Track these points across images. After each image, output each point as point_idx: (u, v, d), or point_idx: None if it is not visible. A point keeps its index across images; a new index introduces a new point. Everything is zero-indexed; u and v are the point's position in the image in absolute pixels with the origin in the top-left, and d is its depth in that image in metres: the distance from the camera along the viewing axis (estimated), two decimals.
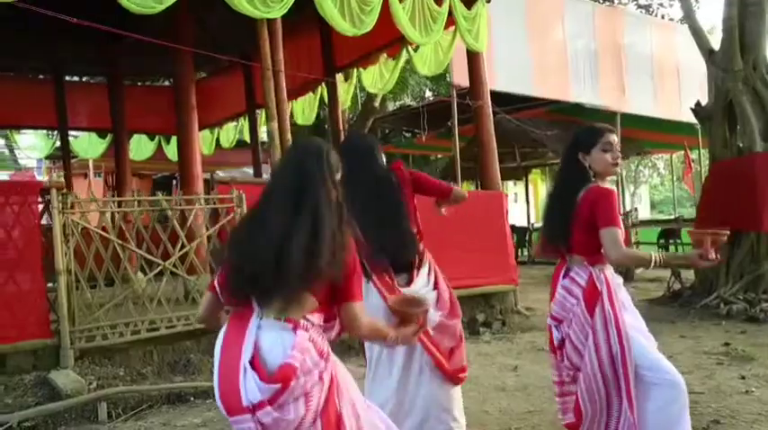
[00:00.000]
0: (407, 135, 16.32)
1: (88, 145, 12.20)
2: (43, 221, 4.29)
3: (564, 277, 2.55)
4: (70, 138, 11.68)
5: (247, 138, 10.89)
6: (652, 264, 2.36)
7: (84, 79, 11.53)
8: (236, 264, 1.68)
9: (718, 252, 2.33)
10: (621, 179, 12.40)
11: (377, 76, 8.72)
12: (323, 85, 9.33)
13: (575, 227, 2.48)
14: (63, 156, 10.96)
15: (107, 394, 3.88)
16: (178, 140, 7.87)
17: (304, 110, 9.89)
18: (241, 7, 5.14)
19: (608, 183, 2.56)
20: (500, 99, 8.90)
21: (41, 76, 10.78)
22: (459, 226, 6.15)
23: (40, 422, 3.73)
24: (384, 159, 3.02)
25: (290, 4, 5.42)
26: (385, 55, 8.52)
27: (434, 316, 2.78)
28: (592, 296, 2.44)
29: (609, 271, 2.52)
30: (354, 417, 1.71)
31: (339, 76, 9.27)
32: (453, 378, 2.82)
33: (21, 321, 4.06)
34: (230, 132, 11.69)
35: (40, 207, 4.19)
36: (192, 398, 4.18)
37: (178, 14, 6.08)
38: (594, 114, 10.77)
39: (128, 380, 4.24)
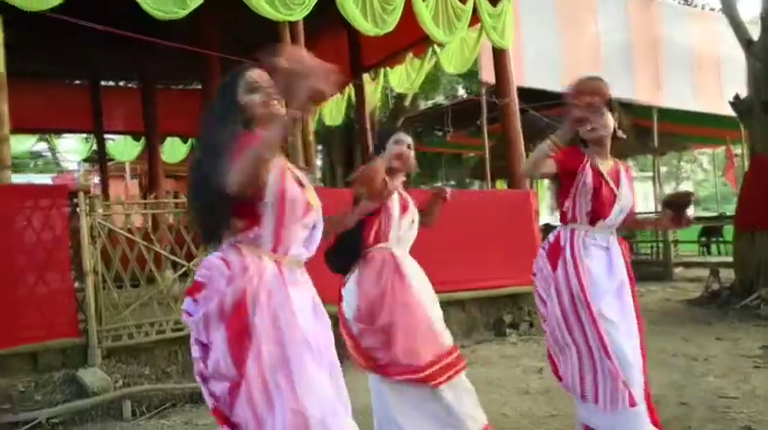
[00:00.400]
0: (439, 134, 16.28)
1: (123, 148, 12.57)
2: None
3: None
4: (107, 142, 12.05)
5: None
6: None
7: (120, 83, 11.84)
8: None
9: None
10: (659, 175, 12.09)
11: (404, 76, 8.73)
12: (350, 85, 9.39)
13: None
14: (99, 159, 11.31)
15: (132, 392, 4.00)
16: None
17: (332, 111, 9.97)
18: (262, 10, 5.23)
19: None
20: (531, 96, 8.80)
21: (78, 82, 11.14)
22: (486, 225, 6.12)
23: (67, 419, 3.87)
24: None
25: (312, 5, 5.49)
26: (411, 54, 8.52)
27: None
28: (554, 252, 2.61)
29: (581, 231, 2.59)
30: (274, 345, 1.69)
31: (366, 77, 9.30)
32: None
33: (50, 321, 4.21)
34: None
35: (69, 210, 4.34)
36: None
37: (204, 19, 6.22)
38: (629, 109, 10.56)
39: (153, 379, 4.36)
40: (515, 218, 6.50)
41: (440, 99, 17.31)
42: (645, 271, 10.36)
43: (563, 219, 2.67)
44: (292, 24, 5.63)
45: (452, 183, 19.92)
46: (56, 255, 4.27)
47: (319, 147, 15.89)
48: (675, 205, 2.47)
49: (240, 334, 1.66)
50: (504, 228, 6.27)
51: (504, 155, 7.17)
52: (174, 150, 12.31)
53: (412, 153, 2.80)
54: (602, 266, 2.54)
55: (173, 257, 4.79)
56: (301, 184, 1.86)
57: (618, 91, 8.72)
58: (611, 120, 2.60)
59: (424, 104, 16.62)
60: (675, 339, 5.62)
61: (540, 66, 8.85)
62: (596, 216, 2.58)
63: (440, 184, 19.41)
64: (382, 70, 9.13)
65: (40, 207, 4.22)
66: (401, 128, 3.26)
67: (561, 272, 2.55)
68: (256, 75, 1.84)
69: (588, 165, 2.57)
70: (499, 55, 7.13)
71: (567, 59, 9.48)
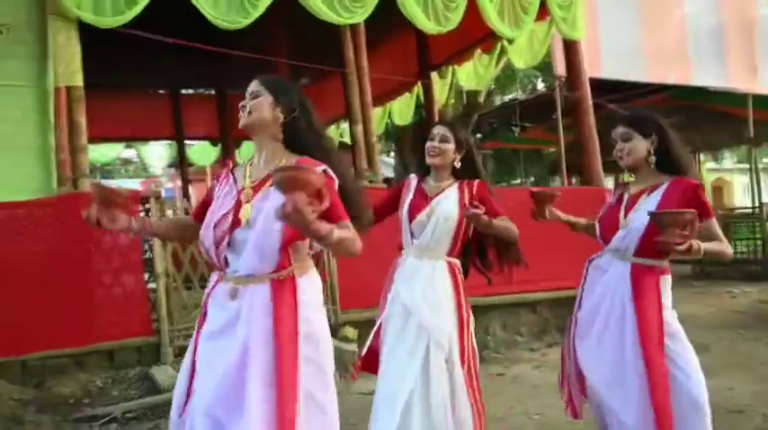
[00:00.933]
0: (515, 129, 15.97)
1: (202, 153, 13.19)
2: None
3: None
4: (188, 148, 12.67)
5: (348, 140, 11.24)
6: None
7: (199, 91, 12.43)
8: None
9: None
10: (757, 167, 11.29)
11: (472, 73, 8.63)
12: (419, 84, 9.39)
13: None
14: (180, 164, 11.92)
15: None
16: None
17: (401, 110, 10.01)
18: (323, 14, 5.33)
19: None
20: (608, 88, 8.47)
21: (160, 91, 11.79)
22: (558, 223, 5.93)
23: (141, 414, 4.10)
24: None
25: (372, 7, 5.54)
26: (479, 50, 8.40)
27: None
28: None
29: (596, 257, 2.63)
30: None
31: (435, 75, 9.27)
32: None
33: (126, 320, 4.50)
34: (333, 134, 12.13)
35: (141, 214, 4.61)
36: None
37: (270, 26, 6.42)
38: (721, 97, 9.94)
39: None
40: (589, 216, 6.27)
41: (517, 94, 16.97)
42: (741, 270, 9.79)
43: None
44: (354, 27, 5.71)
45: (531, 179, 19.48)
46: (130, 258, 4.55)
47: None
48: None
49: None
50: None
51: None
52: (249, 153, 12.76)
53: (445, 146, 2.70)
54: (595, 296, 2.52)
55: None
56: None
57: (708, 79, 8.22)
58: (641, 147, 2.46)
59: (500, 100, 16.35)
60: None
61: (620, 56, 8.48)
62: (604, 241, 2.58)
63: (518, 182, 19.04)
64: (450, 68, 9.05)
65: None
66: (442, 122, 3.10)
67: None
68: None
69: (619, 192, 2.61)
70: (570, 47, 6.91)
71: (649, 48, 9.04)
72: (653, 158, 2.46)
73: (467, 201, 2.65)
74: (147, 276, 4.78)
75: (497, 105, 14.78)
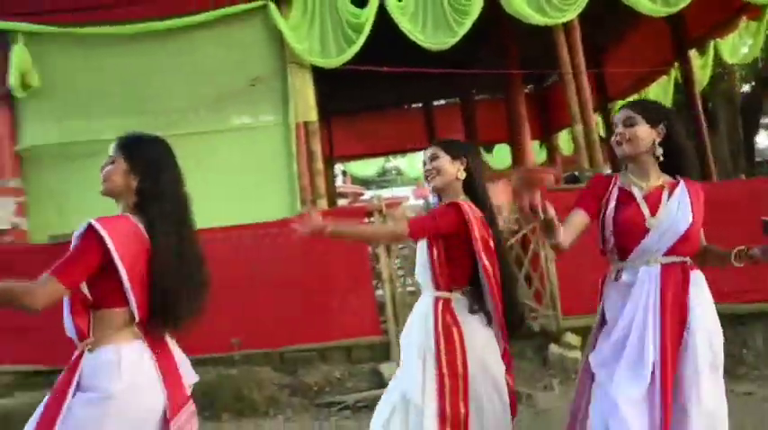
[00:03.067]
0: None
1: None
2: None
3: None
4: None
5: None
6: None
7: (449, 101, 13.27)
8: None
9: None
10: None
11: (738, 44, 7.71)
12: (675, 66, 8.69)
13: None
14: None
15: None
16: (512, 149, 8.55)
17: (658, 95, 9.35)
18: (528, 16, 5.48)
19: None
20: None
21: (414, 106, 12.95)
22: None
23: (369, 403, 4.81)
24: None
25: (584, 3, 5.50)
26: (744, 18, 7.48)
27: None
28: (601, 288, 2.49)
29: (613, 272, 2.40)
30: None
31: (693, 53, 8.48)
32: None
33: (359, 322, 5.28)
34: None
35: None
36: None
37: (502, 40, 6.77)
38: None
39: None
40: None
41: None
42: None
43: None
44: (567, 25, 5.73)
45: None
46: (361, 267, 5.33)
47: None
48: None
49: None
50: None
51: None
52: (501, 156, 13.13)
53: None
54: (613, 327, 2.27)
55: None
56: None
57: None
58: (645, 134, 2.22)
59: None
60: None
61: None
62: (623, 246, 2.27)
63: None
64: (711, 42, 8.19)
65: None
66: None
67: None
68: None
69: (616, 188, 2.32)
70: None
71: None
72: (660, 150, 2.22)
73: None
74: (374, 283, 5.51)
75: None
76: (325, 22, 5.48)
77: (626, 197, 2.29)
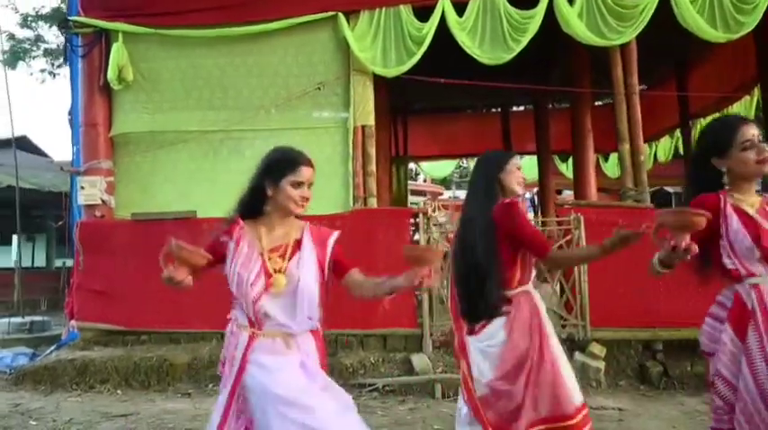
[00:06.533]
0: None
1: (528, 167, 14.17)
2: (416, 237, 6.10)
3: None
4: None
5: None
6: None
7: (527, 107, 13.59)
8: None
9: None
10: None
11: None
12: (757, 87, 8.71)
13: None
14: None
15: (438, 378, 5.36)
16: (574, 161, 8.87)
17: (740, 113, 9.37)
18: (586, 38, 5.91)
19: (753, 187, 2.41)
20: None
21: (492, 110, 13.40)
22: None
23: (397, 388, 5.46)
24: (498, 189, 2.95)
25: (643, 26, 5.86)
26: None
27: (484, 374, 2.81)
28: (740, 317, 2.28)
29: (764, 284, 2.28)
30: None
31: None
32: None
33: (398, 313, 5.92)
34: (667, 146, 11.93)
35: (411, 228, 6.01)
36: None
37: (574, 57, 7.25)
38: None
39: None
40: None
41: None
42: None
43: (734, 275, 2.35)
44: (624, 46, 6.10)
45: None
46: (402, 263, 5.95)
47: None
48: None
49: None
50: None
51: None
52: (567, 165, 13.26)
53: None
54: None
55: None
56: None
57: None
58: None
59: None
60: None
61: None
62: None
63: None
64: None
65: (392, 225, 6.00)
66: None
67: (753, 339, 2.24)
68: None
69: (729, 207, 2.36)
70: None
71: None
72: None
73: None
74: None
75: None
76: (389, 33, 6.15)
77: (742, 214, 2.35)
